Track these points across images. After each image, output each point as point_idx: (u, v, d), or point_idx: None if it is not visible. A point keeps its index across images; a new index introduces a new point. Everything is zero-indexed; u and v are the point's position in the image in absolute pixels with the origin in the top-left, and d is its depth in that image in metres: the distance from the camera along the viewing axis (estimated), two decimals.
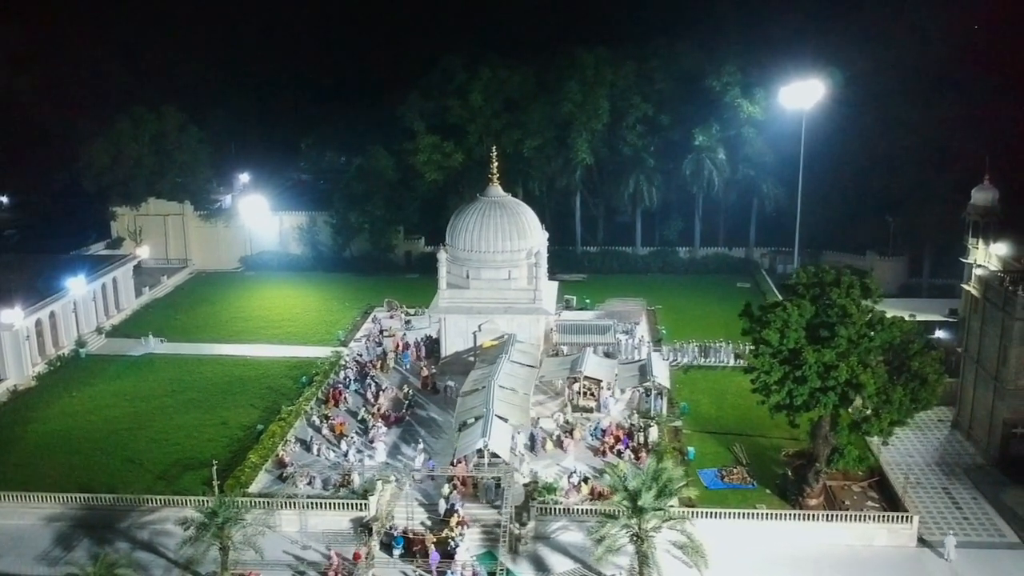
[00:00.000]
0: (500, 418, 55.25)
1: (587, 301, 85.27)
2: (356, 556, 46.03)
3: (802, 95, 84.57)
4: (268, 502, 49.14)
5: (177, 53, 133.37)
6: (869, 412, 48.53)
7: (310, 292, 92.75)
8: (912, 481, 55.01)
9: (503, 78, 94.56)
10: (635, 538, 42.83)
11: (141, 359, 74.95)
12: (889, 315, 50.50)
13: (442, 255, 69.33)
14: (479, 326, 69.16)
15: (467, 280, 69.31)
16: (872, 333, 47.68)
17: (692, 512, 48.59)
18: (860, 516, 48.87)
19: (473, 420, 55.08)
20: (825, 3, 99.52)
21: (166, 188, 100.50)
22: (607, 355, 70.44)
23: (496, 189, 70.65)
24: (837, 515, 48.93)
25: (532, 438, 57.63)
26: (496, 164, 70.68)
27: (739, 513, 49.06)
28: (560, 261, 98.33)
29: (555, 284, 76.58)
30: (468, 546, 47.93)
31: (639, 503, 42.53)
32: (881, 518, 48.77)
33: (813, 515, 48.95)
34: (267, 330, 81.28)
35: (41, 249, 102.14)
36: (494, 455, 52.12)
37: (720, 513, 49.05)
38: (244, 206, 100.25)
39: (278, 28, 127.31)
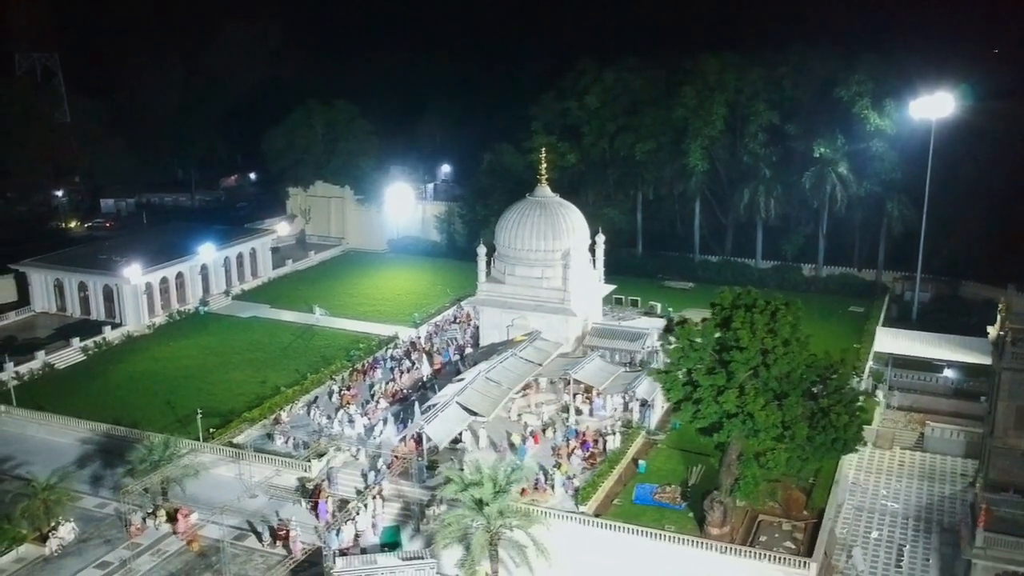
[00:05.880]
0: (465, 408, 58.29)
1: (669, 310, 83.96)
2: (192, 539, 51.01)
3: (933, 108, 77.58)
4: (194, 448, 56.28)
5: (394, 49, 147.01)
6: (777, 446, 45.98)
7: (428, 276, 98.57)
8: (867, 533, 51.35)
9: (627, 80, 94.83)
10: (472, 529, 44.36)
11: (247, 320, 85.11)
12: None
13: (481, 249, 72.51)
14: (512, 320, 71.59)
15: (504, 276, 71.94)
16: (768, 363, 45.03)
17: (586, 519, 49.31)
18: (755, 553, 46.37)
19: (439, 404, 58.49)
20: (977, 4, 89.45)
21: (330, 173, 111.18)
22: (642, 363, 70.12)
23: (543, 189, 72.55)
24: (730, 548, 46.82)
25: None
26: (545, 165, 72.65)
27: (629, 528, 48.48)
28: (676, 268, 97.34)
29: (608, 287, 76.96)
30: (376, 518, 51.76)
31: (475, 495, 44.03)
32: (776, 559, 45.93)
33: (703, 543, 47.19)
34: (362, 306, 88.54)
35: (255, 219, 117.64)
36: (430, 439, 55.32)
37: (610, 525, 48.88)
38: (391, 194, 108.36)
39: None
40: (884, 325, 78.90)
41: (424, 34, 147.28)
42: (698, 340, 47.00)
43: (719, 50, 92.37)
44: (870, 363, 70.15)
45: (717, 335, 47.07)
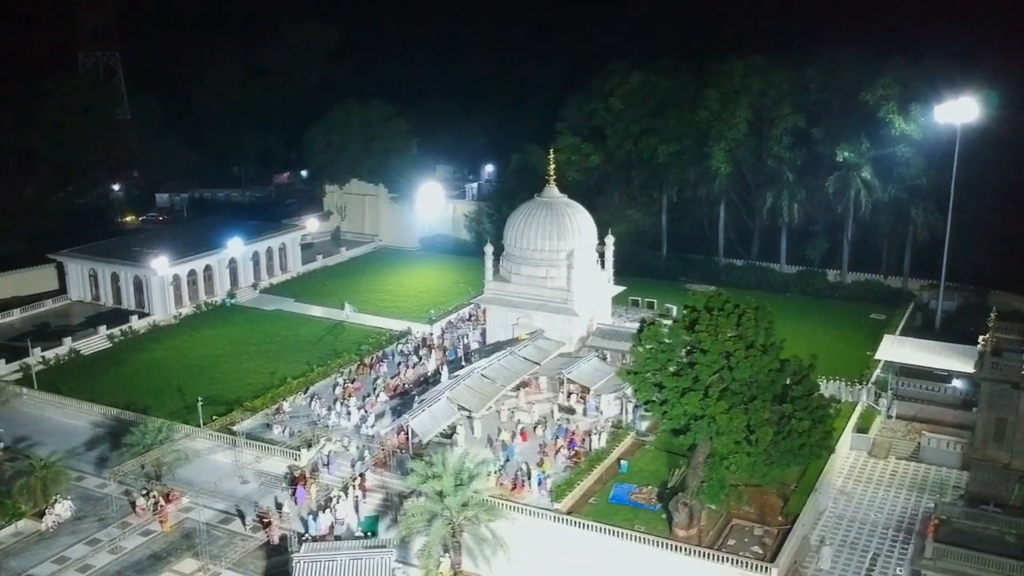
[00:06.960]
0: (457, 405, 59.34)
1: (683, 312, 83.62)
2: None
3: (959, 112, 75.74)
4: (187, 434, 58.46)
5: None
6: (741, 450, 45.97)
7: (454, 275, 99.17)
8: (848, 541, 50.87)
9: (654, 83, 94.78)
10: (433, 520, 45.39)
11: (271, 313, 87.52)
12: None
13: (488, 248, 73.45)
14: (517, 319, 72.41)
15: (510, 275, 72.80)
16: (731, 366, 45.02)
17: (560, 516, 49.96)
18: (716, 556, 46.41)
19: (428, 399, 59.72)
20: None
21: (365, 171, 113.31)
22: None
23: (551, 190, 73.16)
24: (692, 550, 46.92)
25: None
26: (553, 166, 73.33)
27: (596, 527, 48.94)
28: (700, 271, 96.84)
29: (616, 288, 77.01)
30: (357, 507, 53.21)
31: (435, 488, 45.07)
32: (739, 562, 45.93)
33: (666, 544, 47.37)
34: (384, 302, 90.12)
35: (300, 215, 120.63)
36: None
37: (578, 522, 49.43)
38: (423, 193, 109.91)
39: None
40: (904, 333, 77.22)
41: (470, 36, 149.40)
42: (666, 342, 47.28)
43: (746, 53, 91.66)
44: (878, 371, 69.11)
45: (686, 337, 47.33)
